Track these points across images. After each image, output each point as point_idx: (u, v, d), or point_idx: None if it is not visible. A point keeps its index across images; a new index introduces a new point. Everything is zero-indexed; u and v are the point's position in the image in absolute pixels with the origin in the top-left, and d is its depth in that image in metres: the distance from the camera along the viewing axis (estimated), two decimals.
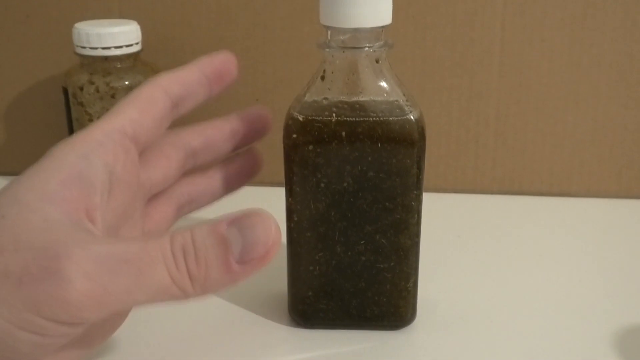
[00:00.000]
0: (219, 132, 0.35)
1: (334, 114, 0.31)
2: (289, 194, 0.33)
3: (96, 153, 0.27)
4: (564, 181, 0.52)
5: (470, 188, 0.53)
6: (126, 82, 0.45)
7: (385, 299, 0.35)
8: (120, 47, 0.45)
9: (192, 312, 0.37)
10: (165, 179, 0.33)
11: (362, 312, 0.35)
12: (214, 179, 0.35)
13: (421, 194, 0.33)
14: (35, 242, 0.24)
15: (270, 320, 0.36)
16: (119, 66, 0.46)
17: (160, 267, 0.24)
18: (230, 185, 0.36)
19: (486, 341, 0.35)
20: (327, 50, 0.32)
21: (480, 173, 0.52)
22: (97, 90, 0.45)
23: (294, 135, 0.32)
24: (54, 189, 0.26)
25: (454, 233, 0.47)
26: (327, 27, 0.31)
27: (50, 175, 0.26)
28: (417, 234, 0.34)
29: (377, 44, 0.31)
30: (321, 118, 0.31)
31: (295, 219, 0.33)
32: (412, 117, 0.32)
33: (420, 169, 0.32)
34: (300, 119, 0.32)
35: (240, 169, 0.36)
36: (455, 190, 0.53)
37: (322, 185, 0.32)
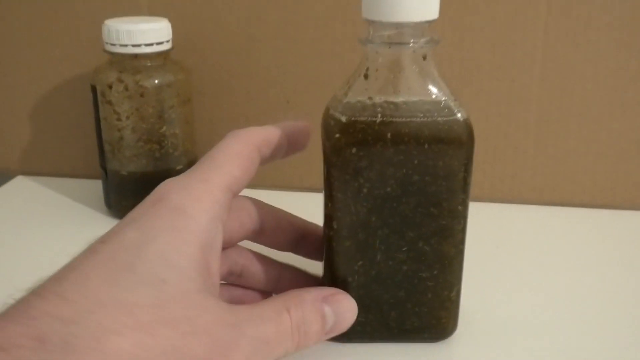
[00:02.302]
0: (288, 225, 0.35)
1: (378, 114, 0.30)
2: (329, 199, 0.31)
3: (220, 217, 0.29)
4: (608, 192, 0.50)
5: (509, 198, 0.51)
6: (156, 81, 0.44)
7: (426, 309, 0.33)
8: (151, 44, 0.44)
9: None
10: (230, 241, 0.34)
11: (402, 325, 0.33)
12: (266, 273, 0.35)
13: (468, 199, 0.31)
14: (205, 325, 0.26)
15: None
16: (149, 64, 0.44)
17: (284, 345, 0.29)
18: (273, 289, 0.36)
19: (527, 353, 0.34)
20: (370, 46, 0.30)
21: (518, 182, 0.51)
22: (126, 89, 0.44)
23: (337, 136, 0.30)
24: (197, 256, 0.27)
25: (493, 244, 0.45)
26: (370, 22, 0.30)
27: (192, 240, 0.28)
28: (462, 241, 0.32)
29: (422, 39, 0.30)
30: (365, 119, 0.29)
31: (335, 226, 0.31)
32: (460, 117, 0.30)
33: (467, 171, 0.30)
34: (343, 119, 0.30)
35: (290, 282, 0.36)
36: (493, 200, 0.51)
37: (365, 190, 0.30)
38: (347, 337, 0.33)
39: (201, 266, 0.27)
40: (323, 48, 0.49)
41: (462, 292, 0.35)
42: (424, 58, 0.30)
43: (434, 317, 0.33)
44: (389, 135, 0.29)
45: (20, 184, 0.54)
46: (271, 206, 0.35)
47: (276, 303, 0.29)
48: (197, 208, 0.28)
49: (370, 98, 0.30)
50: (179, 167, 0.46)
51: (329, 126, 0.30)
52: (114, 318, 0.24)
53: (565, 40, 0.47)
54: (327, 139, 0.30)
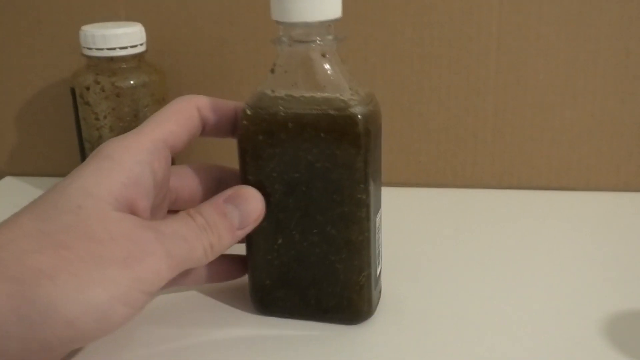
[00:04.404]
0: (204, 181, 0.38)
1: (280, 107, 0.32)
2: (244, 181, 0.34)
3: (148, 160, 0.32)
4: (562, 175, 0.52)
5: (470, 183, 0.53)
6: (131, 82, 0.47)
7: (339, 290, 0.35)
8: (125, 47, 0.47)
9: (166, 298, 0.39)
10: (191, 199, 0.36)
11: (320, 303, 0.35)
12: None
13: (369, 187, 0.33)
14: (123, 231, 0.29)
15: (234, 308, 0.38)
16: (123, 66, 0.47)
17: (200, 244, 0.31)
18: None
19: (459, 332, 0.35)
20: (278, 44, 0.33)
21: (479, 168, 0.53)
22: (103, 90, 0.47)
23: (244, 123, 0.33)
24: (118, 188, 0.30)
25: (452, 227, 0.47)
26: (278, 23, 0.32)
27: (113, 176, 0.30)
28: (367, 229, 0.33)
29: (328, 37, 0.32)
30: (269, 110, 0.32)
31: None
32: (355, 111, 0.32)
33: (366, 162, 0.32)
34: (249, 112, 0.33)
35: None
36: (455, 186, 0.54)
37: (274, 174, 0.33)
38: (269, 310, 0.36)
39: (122, 197, 0.30)
40: None
41: (411, 274, 0.36)
42: (325, 55, 0.32)
43: (347, 299, 0.35)
44: (290, 125, 0.32)
45: (9, 184, 0.57)
46: (183, 168, 0.37)
47: (180, 212, 0.32)
48: (123, 153, 0.31)
49: (273, 91, 0.33)
50: None
51: (239, 117, 0.33)
52: (35, 242, 0.28)
53: (517, 35, 0.50)
54: (238, 127, 0.33)
